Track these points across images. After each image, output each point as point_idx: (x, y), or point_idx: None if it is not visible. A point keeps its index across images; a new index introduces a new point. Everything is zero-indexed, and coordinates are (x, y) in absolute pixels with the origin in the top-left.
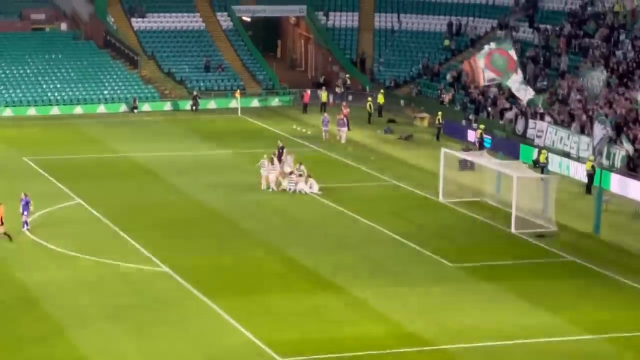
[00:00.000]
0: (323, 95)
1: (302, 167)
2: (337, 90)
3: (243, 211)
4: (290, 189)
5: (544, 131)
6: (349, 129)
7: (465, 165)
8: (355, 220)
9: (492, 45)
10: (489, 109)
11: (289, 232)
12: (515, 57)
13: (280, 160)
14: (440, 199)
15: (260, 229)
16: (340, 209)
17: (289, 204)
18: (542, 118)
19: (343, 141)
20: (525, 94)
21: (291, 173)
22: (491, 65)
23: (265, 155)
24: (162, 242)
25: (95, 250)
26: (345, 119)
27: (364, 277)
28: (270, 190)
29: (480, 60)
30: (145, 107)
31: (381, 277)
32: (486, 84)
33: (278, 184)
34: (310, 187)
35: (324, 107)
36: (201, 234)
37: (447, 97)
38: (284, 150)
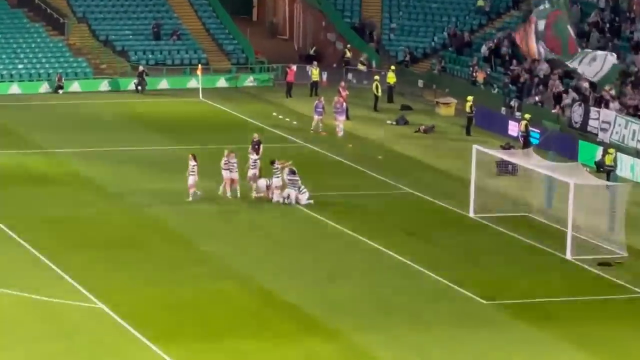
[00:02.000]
0: (314, 72)
1: (277, 164)
2: (361, 67)
3: (205, 228)
4: (281, 201)
5: (611, 123)
6: (347, 118)
7: (504, 168)
8: (357, 241)
9: (547, 5)
10: (538, 92)
11: (267, 257)
12: (573, 34)
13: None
14: (471, 213)
15: (228, 253)
16: (336, 227)
17: (267, 218)
18: (607, 105)
19: (340, 134)
20: (597, 65)
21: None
22: (553, 33)
23: (226, 152)
24: (96, 270)
25: (9, 281)
26: (343, 105)
27: (367, 318)
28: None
29: (536, 26)
30: (74, 86)
31: (390, 318)
32: (544, 57)
33: (257, 189)
34: (293, 198)
35: (315, 88)
36: (148, 259)
37: (480, 76)
38: (260, 146)
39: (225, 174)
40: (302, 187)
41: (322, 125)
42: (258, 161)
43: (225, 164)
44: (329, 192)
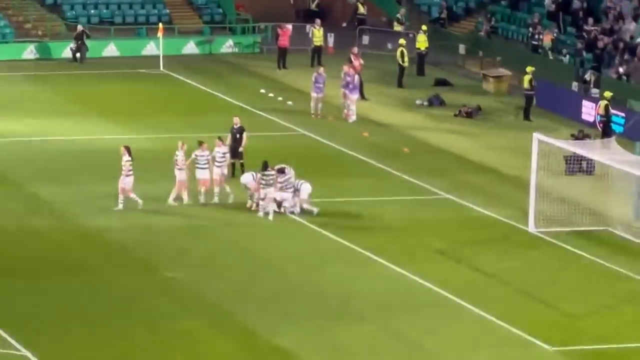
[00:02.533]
0: (316, 34)
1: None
2: (398, 27)
3: (167, 247)
4: (265, 210)
5: None
6: (362, 97)
7: (576, 165)
8: (373, 264)
9: None
10: (623, 61)
11: (251, 287)
12: None
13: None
14: (531, 227)
15: (198, 281)
16: (345, 244)
17: (252, 234)
18: None
19: (352, 119)
20: None
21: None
22: None
23: (180, 143)
24: (18, 304)
25: None
26: (355, 79)
27: None
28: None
29: None
30: None
31: None
32: None
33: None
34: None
35: (317, 56)
36: (90, 289)
37: (547, 39)
38: (244, 135)
39: (178, 173)
40: (299, 181)
41: (320, 106)
42: (227, 155)
43: (178, 161)
44: (337, 197)
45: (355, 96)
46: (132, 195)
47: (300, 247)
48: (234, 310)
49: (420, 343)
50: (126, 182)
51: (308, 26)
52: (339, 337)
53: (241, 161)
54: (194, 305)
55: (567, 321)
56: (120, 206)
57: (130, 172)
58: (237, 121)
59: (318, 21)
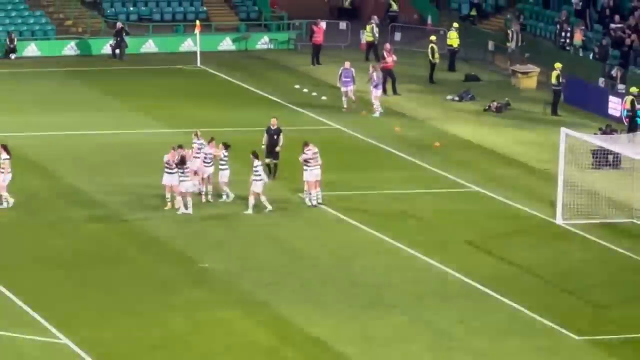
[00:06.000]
0: (367, 30)
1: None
2: (511, 32)
3: (204, 239)
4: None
5: None
6: (394, 92)
7: (603, 159)
8: (404, 255)
9: None
10: None
11: (285, 277)
12: None
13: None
14: (559, 219)
15: (233, 272)
16: (377, 236)
17: (286, 226)
18: None
19: (377, 113)
20: None
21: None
22: None
23: (197, 134)
24: (59, 294)
25: None
26: (380, 75)
27: (420, 357)
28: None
29: None
30: (31, 49)
31: (452, 356)
32: None
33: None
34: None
35: (373, 51)
36: (128, 280)
37: (577, 37)
38: (281, 135)
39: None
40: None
41: (346, 100)
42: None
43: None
44: (369, 190)
45: (378, 92)
46: (4, 194)
47: (333, 238)
48: (268, 300)
49: (450, 332)
50: (4, 179)
51: (341, 23)
52: (370, 327)
53: (275, 161)
54: (230, 296)
55: (594, 311)
56: (4, 204)
57: (8, 170)
58: (274, 122)
59: (375, 17)
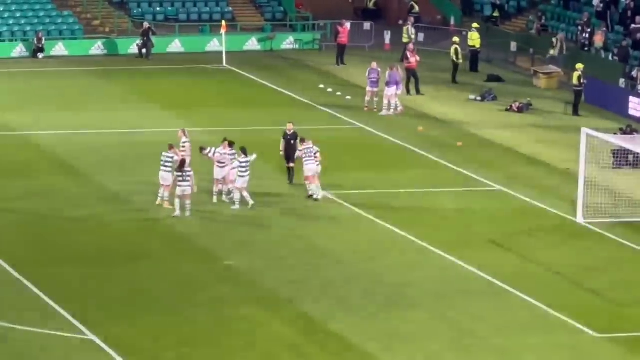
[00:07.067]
0: (404, 32)
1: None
2: (556, 39)
3: (228, 236)
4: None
5: None
6: (417, 92)
7: (623, 159)
8: (427, 253)
9: None
10: None
11: (308, 275)
12: None
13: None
14: (579, 218)
15: (257, 269)
16: (400, 234)
17: (310, 224)
18: None
19: (396, 109)
20: None
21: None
22: None
23: (184, 131)
24: (86, 290)
25: None
26: (395, 74)
27: (439, 355)
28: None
29: None
30: (59, 48)
31: (470, 355)
32: None
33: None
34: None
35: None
36: (155, 277)
37: (598, 38)
38: (300, 141)
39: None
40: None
41: (376, 100)
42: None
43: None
44: (392, 189)
45: (390, 90)
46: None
47: (356, 236)
48: (291, 297)
49: (472, 329)
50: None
51: (365, 24)
52: (393, 324)
53: (293, 166)
54: (254, 292)
55: (613, 309)
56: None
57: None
58: (290, 127)
59: (412, 19)
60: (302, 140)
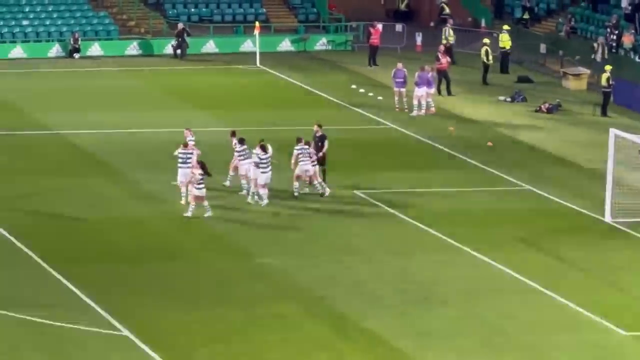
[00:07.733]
0: (444, 34)
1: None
2: (597, 44)
3: (261, 235)
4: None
5: None
6: (448, 93)
7: None
8: (458, 252)
9: None
10: None
11: (340, 273)
12: None
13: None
14: (608, 217)
15: (290, 267)
16: (431, 233)
17: (343, 223)
18: None
19: (414, 112)
20: None
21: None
22: None
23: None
24: (121, 287)
25: (10, 300)
26: (425, 75)
27: (471, 354)
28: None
29: None
30: (94, 49)
31: (501, 354)
32: None
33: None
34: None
35: (449, 53)
36: (189, 274)
37: (627, 40)
38: (325, 142)
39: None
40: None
41: (406, 100)
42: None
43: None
44: (423, 188)
45: (431, 89)
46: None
47: (387, 234)
48: (324, 294)
49: (501, 327)
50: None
51: (397, 25)
52: (423, 321)
53: (323, 167)
54: (287, 290)
55: None
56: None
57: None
58: (317, 129)
59: (451, 22)
60: (299, 140)
